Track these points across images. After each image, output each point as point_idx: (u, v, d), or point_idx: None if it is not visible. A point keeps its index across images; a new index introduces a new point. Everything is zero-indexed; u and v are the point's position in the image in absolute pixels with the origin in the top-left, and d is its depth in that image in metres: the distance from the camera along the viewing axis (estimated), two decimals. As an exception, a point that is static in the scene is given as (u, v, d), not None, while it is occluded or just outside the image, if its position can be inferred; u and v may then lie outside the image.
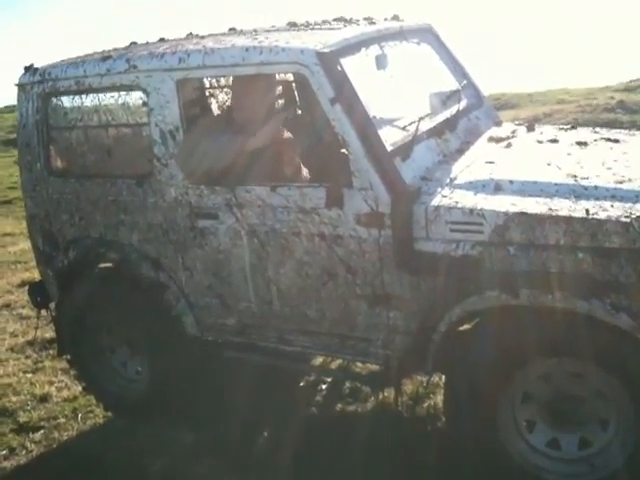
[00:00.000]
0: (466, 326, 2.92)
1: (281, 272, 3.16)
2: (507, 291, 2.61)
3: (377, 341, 3.04)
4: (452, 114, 3.43)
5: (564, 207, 2.58)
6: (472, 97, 3.82)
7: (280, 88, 4.18)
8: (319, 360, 4.03)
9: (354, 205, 2.89)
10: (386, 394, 3.61)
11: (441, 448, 3.12)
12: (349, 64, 2.97)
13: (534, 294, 2.57)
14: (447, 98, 3.53)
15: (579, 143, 3.29)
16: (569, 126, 3.78)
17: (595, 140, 3.38)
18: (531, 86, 14.02)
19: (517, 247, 2.61)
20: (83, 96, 3.69)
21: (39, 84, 3.69)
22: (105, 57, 3.53)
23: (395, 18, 3.75)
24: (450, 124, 3.37)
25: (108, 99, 3.70)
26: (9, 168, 13.50)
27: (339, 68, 2.91)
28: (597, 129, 3.72)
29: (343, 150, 2.86)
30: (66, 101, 3.77)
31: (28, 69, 3.81)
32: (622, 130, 3.80)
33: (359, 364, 3.77)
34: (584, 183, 2.73)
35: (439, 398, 3.42)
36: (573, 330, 2.53)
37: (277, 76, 4.02)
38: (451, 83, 3.71)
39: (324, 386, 3.99)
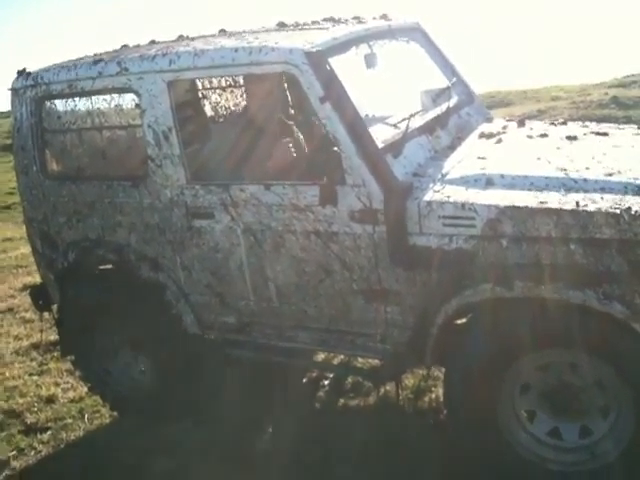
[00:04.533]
0: (463, 319, 2.95)
1: (278, 269, 3.19)
2: (501, 283, 2.64)
3: (375, 336, 3.08)
4: (443, 111, 3.45)
5: (554, 200, 2.60)
6: (463, 94, 3.84)
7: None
8: (321, 356, 4.07)
9: (348, 202, 2.91)
10: (388, 388, 3.65)
11: (443, 440, 3.16)
12: (338, 63, 2.98)
13: (527, 286, 2.60)
14: (438, 95, 3.55)
15: (569, 137, 3.31)
16: (559, 121, 3.79)
17: (584, 134, 3.40)
18: (526, 84, 14.04)
19: (509, 240, 2.63)
20: (76, 99, 3.71)
21: (32, 88, 3.70)
22: (97, 60, 3.54)
23: (384, 17, 3.75)
24: (441, 121, 3.39)
25: (101, 102, 3.71)
26: (7, 173, 13.47)
27: (328, 67, 2.92)
28: (587, 123, 3.74)
29: (335, 148, 2.88)
30: (59, 104, 3.78)
31: (21, 73, 3.82)
32: (611, 124, 3.81)
33: (361, 359, 3.82)
34: (574, 176, 2.75)
35: (440, 391, 3.45)
36: (567, 320, 2.56)
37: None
38: (442, 80, 3.72)
39: (326, 382, 4.03)
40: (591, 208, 2.51)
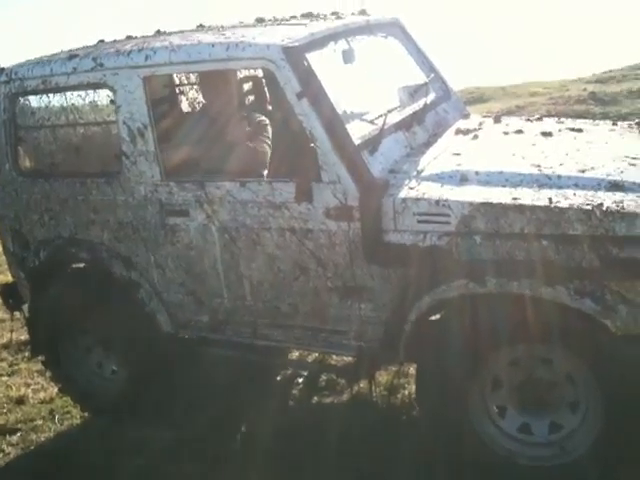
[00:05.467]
0: (436, 315, 2.95)
1: (253, 267, 3.17)
2: (474, 280, 2.65)
3: (349, 333, 3.07)
4: (420, 107, 3.44)
5: (528, 196, 2.62)
6: (440, 90, 3.84)
7: (250, 84, 4.20)
8: (295, 354, 4.05)
9: (323, 199, 2.91)
10: (362, 385, 3.64)
11: (415, 436, 3.15)
12: (316, 59, 2.98)
13: (500, 282, 2.61)
14: (415, 91, 3.55)
15: (544, 133, 3.33)
16: (535, 117, 3.83)
17: (559, 130, 3.42)
18: (506, 80, 14.03)
19: (483, 236, 2.64)
20: (50, 95, 3.68)
21: (6, 84, 3.66)
22: (72, 56, 3.51)
23: (362, 13, 3.77)
24: (418, 117, 3.39)
25: (75, 98, 3.70)
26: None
27: (305, 63, 2.92)
28: (562, 119, 3.76)
29: (311, 144, 2.88)
30: (33, 101, 3.76)
31: (-6, 70, 3.78)
32: (587, 120, 3.85)
33: (335, 357, 3.81)
34: (547, 172, 2.77)
35: (413, 388, 3.45)
36: (539, 316, 2.57)
37: (248, 72, 4.05)
38: (419, 76, 3.73)
39: (300, 380, 4.01)
40: (564, 204, 2.52)
